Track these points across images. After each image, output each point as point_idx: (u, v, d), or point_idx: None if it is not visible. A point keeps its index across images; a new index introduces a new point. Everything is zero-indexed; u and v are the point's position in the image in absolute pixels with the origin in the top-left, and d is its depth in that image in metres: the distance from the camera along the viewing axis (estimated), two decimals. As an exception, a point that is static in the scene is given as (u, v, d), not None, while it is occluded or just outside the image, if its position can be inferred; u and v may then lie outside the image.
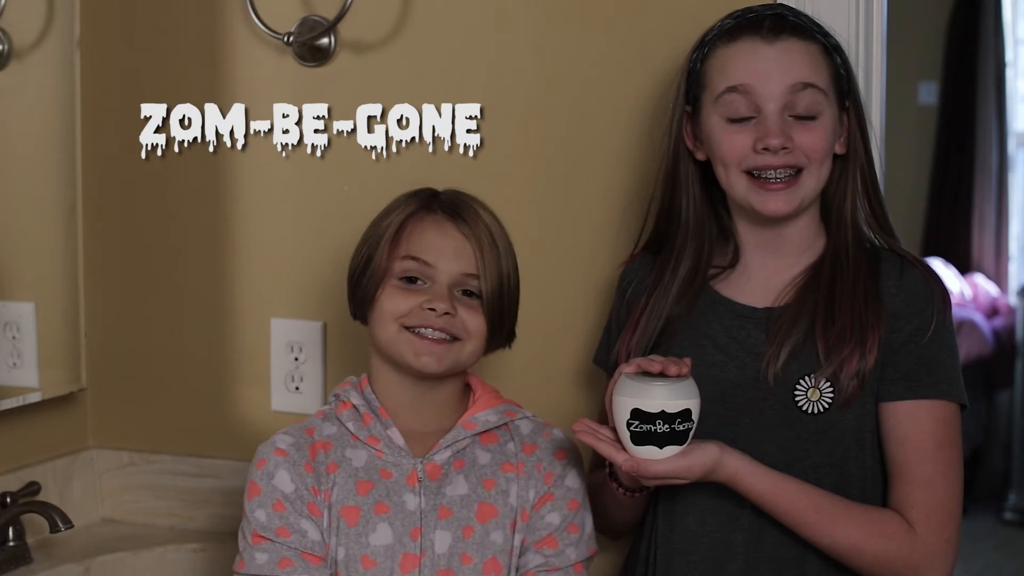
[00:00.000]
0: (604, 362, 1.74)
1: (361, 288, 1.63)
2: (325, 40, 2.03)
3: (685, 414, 1.46)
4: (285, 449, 1.58)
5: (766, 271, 1.64)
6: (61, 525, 1.88)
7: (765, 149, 1.55)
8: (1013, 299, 5.41)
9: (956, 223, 5.72)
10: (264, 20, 2.02)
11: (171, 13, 2.13)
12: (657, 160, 1.71)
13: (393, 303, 1.59)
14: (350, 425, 1.60)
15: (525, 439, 1.64)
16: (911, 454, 1.54)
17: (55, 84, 2.11)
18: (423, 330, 1.57)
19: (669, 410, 1.45)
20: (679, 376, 1.47)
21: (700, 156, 1.65)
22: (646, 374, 1.48)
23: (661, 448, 1.46)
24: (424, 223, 1.61)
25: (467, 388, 1.68)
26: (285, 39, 2.02)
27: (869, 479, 1.58)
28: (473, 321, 1.59)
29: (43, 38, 2.08)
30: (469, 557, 1.56)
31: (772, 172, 1.56)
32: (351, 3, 1.96)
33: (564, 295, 1.94)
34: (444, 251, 1.59)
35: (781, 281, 1.62)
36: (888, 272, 1.59)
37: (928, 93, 5.89)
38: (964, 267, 5.61)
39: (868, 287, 1.57)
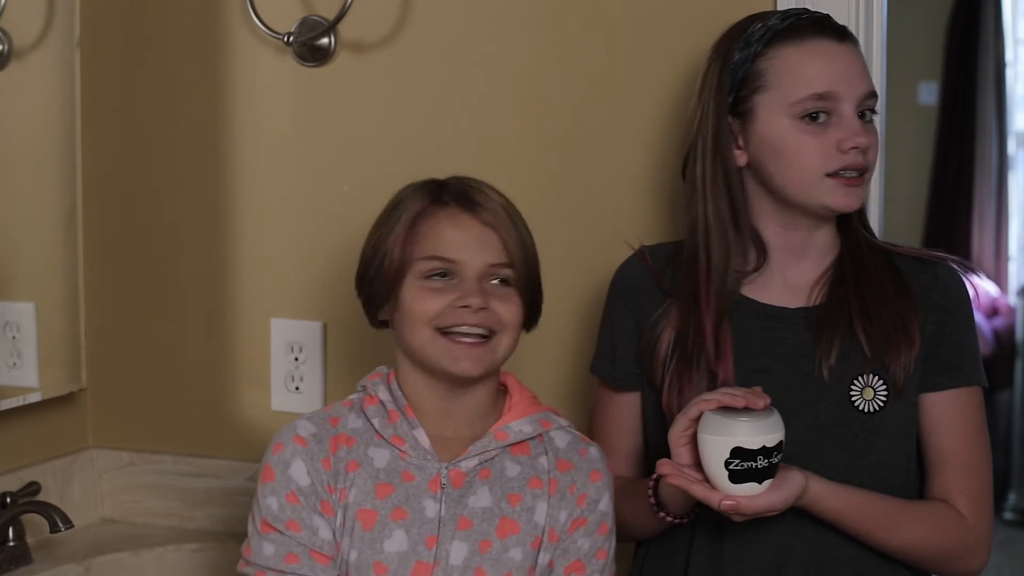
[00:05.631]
0: (608, 373, 1.70)
1: (375, 290, 1.54)
2: (325, 40, 2.03)
3: (780, 446, 1.44)
4: (306, 438, 1.51)
5: (791, 273, 1.63)
6: (61, 525, 1.88)
7: (853, 148, 1.53)
8: (1013, 299, 5.41)
9: (956, 223, 5.72)
10: (264, 20, 2.02)
11: (171, 13, 2.13)
12: (692, 163, 1.63)
13: (423, 305, 1.50)
14: (375, 421, 1.53)
15: (560, 454, 1.56)
16: (956, 441, 1.58)
17: (55, 84, 2.11)
18: (458, 330, 1.50)
19: (768, 444, 1.42)
20: (765, 408, 1.44)
21: (743, 161, 1.59)
22: (728, 409, 1.44)
23: (760, 484, 1.44)
24: (439, 219, 1.52)
25: (501, 390, 1.60)
26: (285, 39, 2.02)
27: (912, 471, 1.61)
28: (508, 312, 1.52)
29: (43, 38, 2.08)
30: (484, 572, 1.49)
31: (852, 171, 1.55)
32: (351, 3, 1.96)
33: (557, 304, 1.94)
34: (467, 245, 1.50)
35: (806, 281, 1.62)
36: (911, 267, 1.61)
37: (928, 93, 5.89)
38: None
39: (895, 279, 1.59)
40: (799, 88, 1.54)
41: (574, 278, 1.93)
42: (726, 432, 1.42)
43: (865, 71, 1.58)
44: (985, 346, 5.03)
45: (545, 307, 1.91)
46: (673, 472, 1.48)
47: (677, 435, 1.49)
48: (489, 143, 1.97)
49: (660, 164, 1.88)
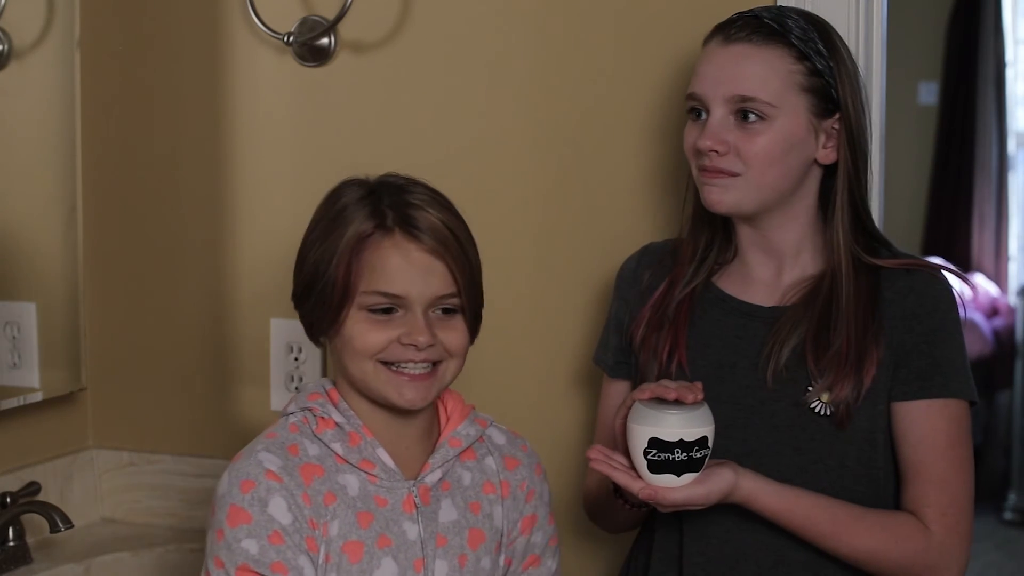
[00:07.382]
0: (603, 360, 1.73)
1: (318, 316, 1.47)
2: (325, 40, 2.03)
3: (702, 442, 1.44)
4: (277, 473, 1.40)
5: (767, 270, 1.63)
6: (61, 525, 1.88)
7: (712, 150, 1.55)
8: (1013, 299, 5.41)
9: (956, 223, 5.72)
10: (264, 20, 2.02)
11: (171, 13, 2.13)
12: None
13: (366, 340, 1.43)
14: (336, 447, 1.44)
15: (504, 451, 1.55)
16: (926, 453, 1.54)
17: (55, 84, 2.11)
18: (404, 365, 1.44)
19: (687, 438, 1.43)
20: (695, 403, 1.45)
21: None
22: (660, 400, 1.46)
23: (679, 476, 1.45)
24: (383, 249, 1.43)
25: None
26: (285, 39, 2.02)
27: (882, 479, 1.57)
28: (454, 339, 1.45)
29: (43, 38, 2.08)
30: None
31: (708, 172, 1.57)
32: (351, 3, 1.96)
33: (560, 296, 1.94)
34: (412, 278, 1.42)
35: (784, 282, 1.62)
36: (893, 275, 1.57)
37: (928, 93, 5.89)
38: (964, 267, 5.60)
39: (867, 307, 1.55)
40: (689, 86, 1.60)
41: (579, 276, 1.93)
42: (646, 422, 1.45)
43: (743, 79, 1.53)
44: (985, 346, 5.03)
45: (552, 304, 1.93)
46: (598, 458, 1.49)
47: (619, 423, 1.50)
48: (490, 142, 1.97)
49: (666, 162, 1.88)
